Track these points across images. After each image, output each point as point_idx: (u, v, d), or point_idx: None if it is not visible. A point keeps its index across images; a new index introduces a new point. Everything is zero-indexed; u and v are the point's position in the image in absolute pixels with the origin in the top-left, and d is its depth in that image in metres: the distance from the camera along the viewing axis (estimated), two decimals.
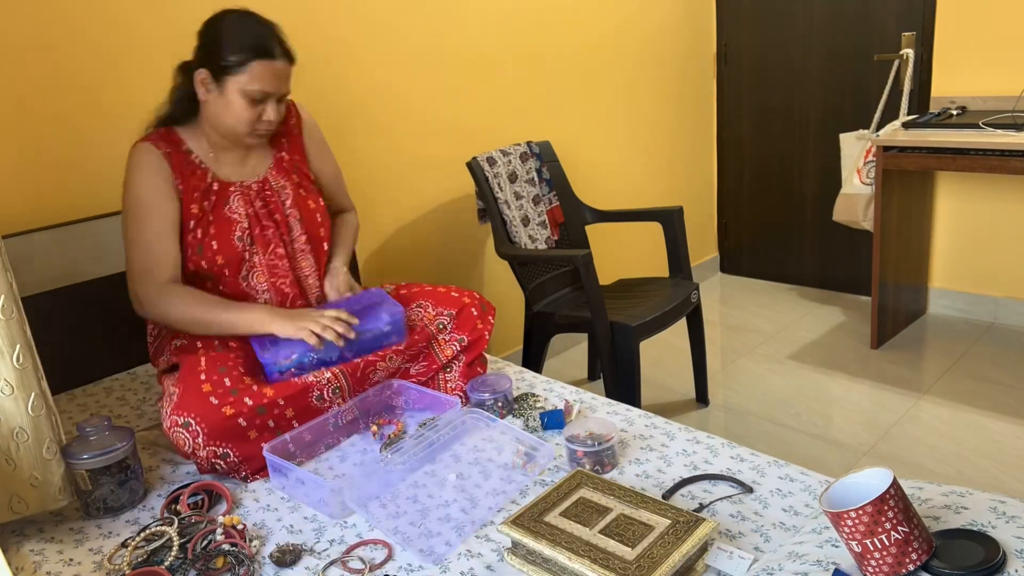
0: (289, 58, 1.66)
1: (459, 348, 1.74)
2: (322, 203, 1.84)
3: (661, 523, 1.13)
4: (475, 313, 1.77)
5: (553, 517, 1.17)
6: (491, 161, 2.64)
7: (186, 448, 1.44)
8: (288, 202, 1.77)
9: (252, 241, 1.71)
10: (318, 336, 1.56)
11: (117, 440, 1.42)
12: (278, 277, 1.74)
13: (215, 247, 1.68)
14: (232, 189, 1.72)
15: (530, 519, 1.17)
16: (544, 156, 2.82)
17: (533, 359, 2.62)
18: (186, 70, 1.68)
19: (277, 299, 1.74)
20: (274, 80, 1.63)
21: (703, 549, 1.14)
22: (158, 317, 1.65)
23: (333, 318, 1.60)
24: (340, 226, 1.96)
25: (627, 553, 1.07)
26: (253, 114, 1.64)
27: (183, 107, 1.71)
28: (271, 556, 1.24)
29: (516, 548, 1.17)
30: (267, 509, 1.40)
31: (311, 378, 1.57)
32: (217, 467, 1.46)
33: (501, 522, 1.17)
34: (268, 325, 1.59)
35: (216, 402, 1.45)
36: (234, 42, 1.60)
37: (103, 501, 1.41)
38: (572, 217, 2.84)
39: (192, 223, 1.67)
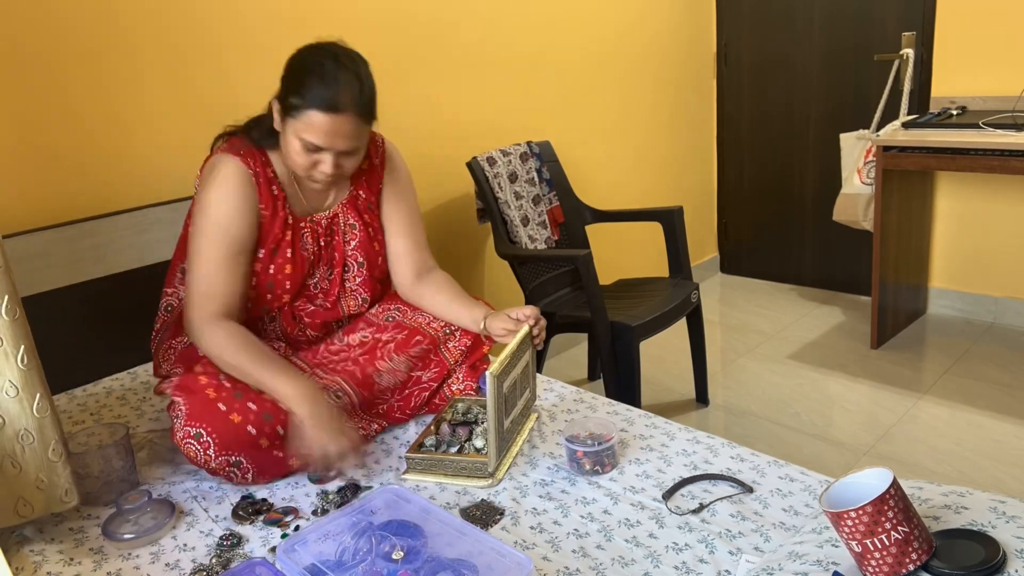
0: (361, 114, 1.50)
1: (464, 350, 1.73)
2: (384, 247, 1.75)
3: None
4: None
5: None
6: (491, 161, 2.64)
7: (197, 459, 1.42)
8: (354, 243, 1.70)
9: (313, 276, 1.67)
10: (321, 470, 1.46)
11: (158, 517, 1.38)
12: (314, 317, 1.69)
13: (288, 286, 1.64)
14: (303, 225, 1.64)
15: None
16: (544, 156, 2.82)
17: None
18: None
19: (294, 328, 1.70)
20: (330, 136, 1.48)
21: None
22: (199, 348, 1.57)
23: (353, 458, 1.45)
24: (449, 283, 1.76)
25: None
26: (308, 161, 1.52)
27: (273, 128, 1.59)
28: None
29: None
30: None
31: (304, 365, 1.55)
32: (232, 476, 1.44)
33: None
34: (296, 409, 1.44)
35: (224, 408, 1.43)
36: (300, 84, 1.47)
37: None
38: (572, 217, 2.84)
39: (264, 253, 1.61)
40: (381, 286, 1.80)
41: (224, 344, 1.51)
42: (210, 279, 1.55)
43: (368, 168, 1.73)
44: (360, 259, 1.71)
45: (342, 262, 1.71)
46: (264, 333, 1.68)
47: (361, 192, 1.72)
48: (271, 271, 1.62)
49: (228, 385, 1.48)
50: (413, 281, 1.77)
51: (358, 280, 1.72)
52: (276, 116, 1.55)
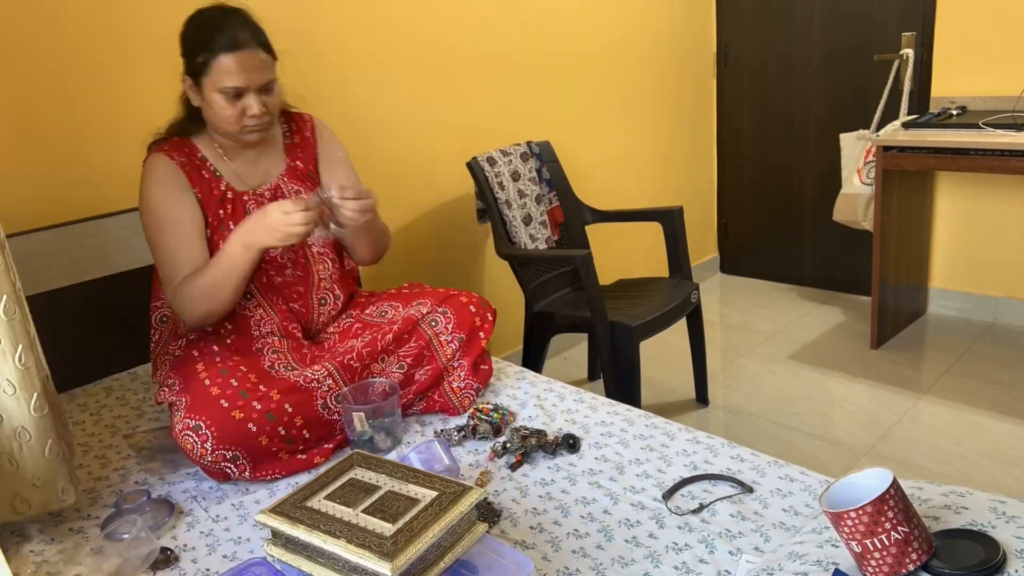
0: (262, 46, 1.60)
1: (457, 346, 1.73)
2: None
3: (427, 496, 1.10)
4: (472, 310, 1.75)
5: (316, 502, 1.12)
6: (491, 161, 2.64)
7: (194, 453, 1.43)
8: None
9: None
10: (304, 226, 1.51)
11: (158, 517, 1.38)
12: (289, 310, 1.73)
13: None
14: (246, 198, 1.70)
15: (291, 506, 1.12)
16: (544, 156, 2.82)
17: (533, 359, 2.62)
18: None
19: (285, 287, 1.73)
20: (243, 73, 1.56)
21: (471, 522, 1.11)
22: (187, 312, 1.61)
23: (304, 213, 1.50)
24: None
25: (386, 529, 1.03)
26: (235, 111, 1.60)
27: (192, 115, 1.69)
28: None
29: (276, 538, 1.13)
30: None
31: (310, 373, 1.56)
32: (228, 472, 1.45)
33: (260, 511, 1.14)
34: (256, 239, 1.54)
35: (226, 405, 1.45)
36: (198, 41, 1.58)
37: None
38: (572, 217, 2.84)
39: (209, 232, 1.66)
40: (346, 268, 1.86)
41: (189, 283, 1.58)
42: (171, 259, 1.62)
43: (301, 141, 1.81)
44: None
45: None
46: (257, 324, 1.70)
47: (298, 163, 1.79)
48: (220, 245, 1.64)
49: (235, 384, 1.49)
50: None
51: (322, 244, 1.77)
52: (191, 91, 1.63)
